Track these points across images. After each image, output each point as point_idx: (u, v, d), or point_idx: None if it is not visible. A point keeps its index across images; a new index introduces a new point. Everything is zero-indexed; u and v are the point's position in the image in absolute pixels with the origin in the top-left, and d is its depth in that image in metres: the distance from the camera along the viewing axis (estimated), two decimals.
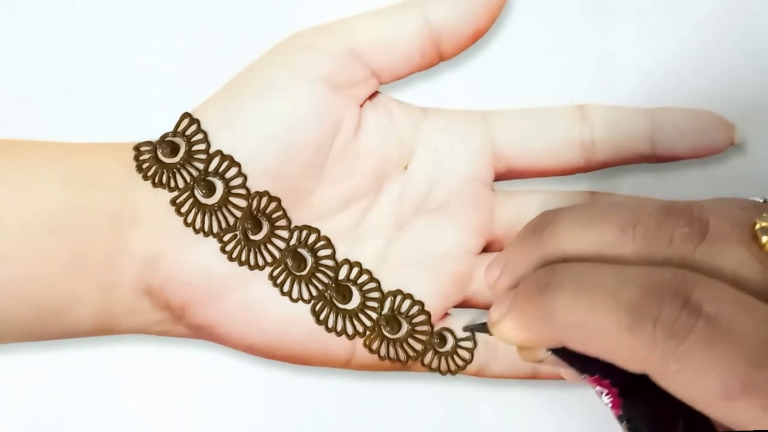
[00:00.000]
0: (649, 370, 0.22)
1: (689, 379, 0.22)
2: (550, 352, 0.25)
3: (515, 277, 0.27)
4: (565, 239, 0.26)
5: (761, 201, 0.27)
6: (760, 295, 0.23)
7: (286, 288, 0.32)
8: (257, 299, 0.31)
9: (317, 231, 0.32)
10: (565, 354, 0.25)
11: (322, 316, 0.32)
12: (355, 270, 0.32)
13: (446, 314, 0.33)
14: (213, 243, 0.31)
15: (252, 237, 0.31)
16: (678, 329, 0.22)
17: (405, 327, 0.32)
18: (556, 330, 0.24)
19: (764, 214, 0.24)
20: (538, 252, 0.26)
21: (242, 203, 0.31)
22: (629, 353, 0.23)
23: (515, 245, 0.27)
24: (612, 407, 0.24)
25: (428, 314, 0.32)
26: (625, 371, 0.23)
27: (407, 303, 0.32)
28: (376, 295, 0.32)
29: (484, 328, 0.27)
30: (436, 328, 0.33)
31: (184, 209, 0.31)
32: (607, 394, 0.24)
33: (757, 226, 0.24)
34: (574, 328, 0.24)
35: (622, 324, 0.23)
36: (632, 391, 0.24)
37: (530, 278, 0.25)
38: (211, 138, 0.31)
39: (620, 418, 0.24)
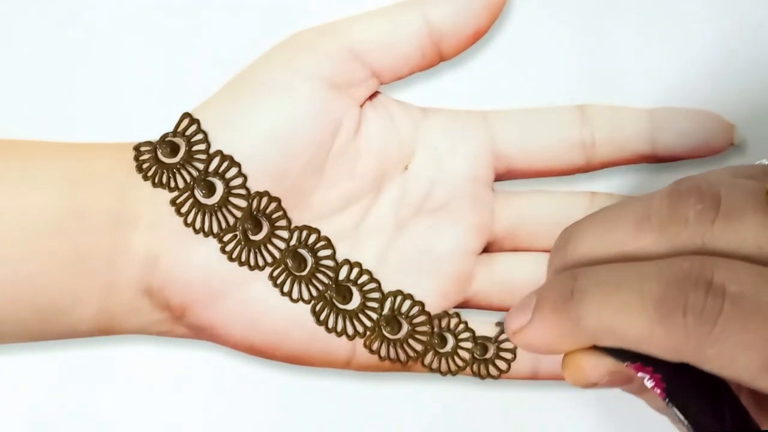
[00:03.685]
0: (687, 358, 0.23)
1: (728, 359, 0.22)
2: (605, 378, 0.26)
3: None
4: (586, 246, 0.26)
5: None
6: None
7: (286, 288, 0.32)
8: (257, 300, 0.31)
9: (317, 231, 0.32)
10: (600, 347, 0.25)
11: (322, 317, 0.32)
12: (356, 270, 0.32)
13: (446, 314, 0.33)
14: (213, 243, 0.31)
15: (252, 237, 0.31)
16: (707, 314, 0.22)
17: (405, 327, 0.32)
18: (586, 335, 0.25)
19: None
20: (560, 263, 0.27)
21: (242, 203, 0.31)
22: (665, 345, 0.23)
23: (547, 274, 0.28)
24: (657, 392, 0.24)
25: (429, 315, 0.32)
26: None
27: (407, 303, 0.32)
28: (376, 295, 0.32)
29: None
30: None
31: (184, 209, 0.31)
32: (650, 380, 0.24)
33: None
34: (604, 332, 0.24)
35: (653, 319, 0.23)
36: (675, 374, 0.24)
37: (552, 285, 0.26)
38: (211, 138, 0.31)
39: (667, 402, 0.24)
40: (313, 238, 0.32)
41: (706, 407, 0.24)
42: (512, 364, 0.33)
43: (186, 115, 0.31)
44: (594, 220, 0.26)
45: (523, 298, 0.27)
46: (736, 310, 0.22)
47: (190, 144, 0.31)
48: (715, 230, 0.24)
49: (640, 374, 0.24)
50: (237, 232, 0.31)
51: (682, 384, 0.24)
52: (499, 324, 0.32)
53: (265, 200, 0.31)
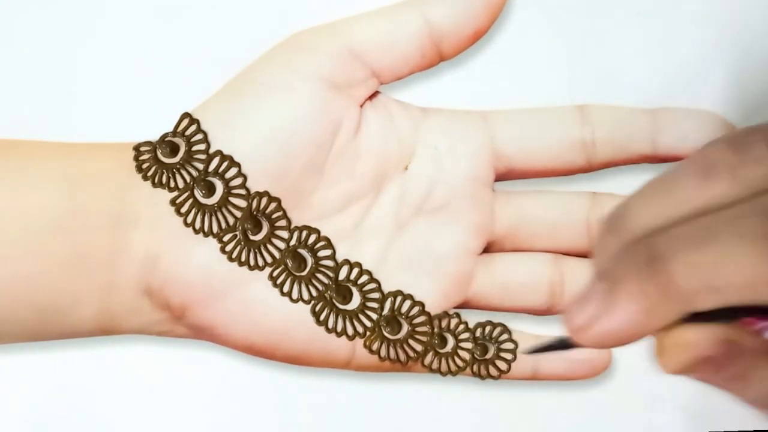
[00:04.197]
0: None
1: None
2: (720, 347, 0.22)
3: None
4: (648, 214, 0.23)
5: None
6: None
7: (286, 288, 0.32)
8: (257, 300, 0.31)
9: (317, 231, 0.32)
10: (700, 318, 0.22)
11: (322, 317, 0.32)
12: (356, 270, 0.32)
13: (446, 314, 0.33)
14: (213, 243, 0.31)
15: (252, 237, 0.31)
16: None
17: (405, 328, 0.32)
18: (683, 300, 0.21)
19: None
20: (622, 241, 0.23)
21: (242, 203, 0.31)
22: None
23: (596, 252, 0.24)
24: None
25: (429, 315, 0.32)
26: None
27: (407, 303, 0.32)
28: (376, 295, 0.32)
29: (561, 344, 0.24)
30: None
31: (184, 209, 0.31)
32: None
33: None
34: (706, 288, 0.21)
35: (763, 256, 0.20)
36: None
37: (622, 262, 0.22)
38: (211, 138, 0.31)
39: None
40: (313, 238, 0.32)
41: None
42: (512, 364, 0.33)
43: (186, 115, 0.31)
44: (649, 187, 0.23)
45: (580, 291, 0.23)
46: None
47: (189, 144, 0.31)
48: None
49: (759, 326, 0.22)
50: (237, 232, 0.31)
51: None
52: (533, 351, 0.28)
53: (265, 200, 0.31)
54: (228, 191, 0.31)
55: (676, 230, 0.22)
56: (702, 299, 0.21)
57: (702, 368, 0.22)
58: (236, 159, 0.31)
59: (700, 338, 0.22)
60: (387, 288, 0.32)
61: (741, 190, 0.22)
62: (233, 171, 0.31)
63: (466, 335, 0.33)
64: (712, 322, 0.22)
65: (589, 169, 0.34)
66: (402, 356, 0.32)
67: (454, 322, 0.33)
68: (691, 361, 0.22)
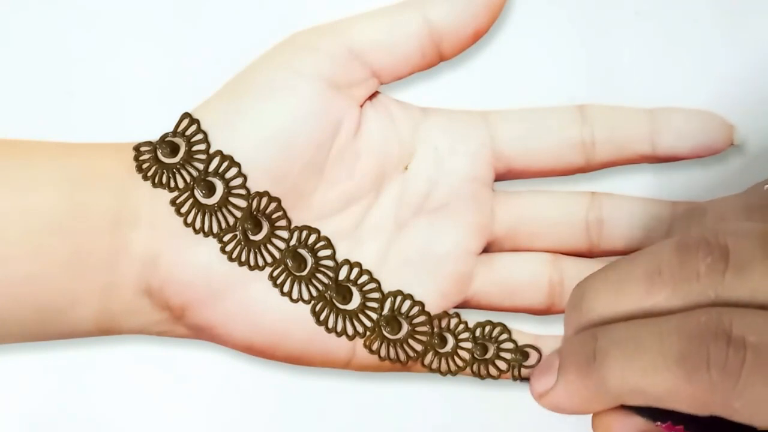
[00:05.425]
0: (715, 411, 0.23)
1: (755, 410, 0.22)
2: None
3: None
4: (601, 304, 0.26)
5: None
6: None
7: (286, 288, 0.32)
8: (257, 300, 0.31)
9: (317, 231, 0.32)
10: (629, 406, 0.25)
11: (322, 317, 0.32)
12: (356, 270, 0.32)
13: (446, 314, 0.33)
14: (213, 243, 0.31)
15: (252, 237, 0.31)
16: (730, 367, 0.22)
17: (405, 327, 0.32)
18: (612, 396, 0.25)
19: None
20: (577, 323, 0.27)
21: (242, 203, 0.31)
22: (692, 401, 0.23)
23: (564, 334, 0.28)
24: None
25: (429, 315, 0.32)
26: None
27: (407, 303, 0.32)
28: (376, 295, 0.32)
29: None
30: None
31: (184, 209, 0.31)
32: None
33: None
34: (630, 392, 0.24)
35: (677, 376, 0.23)
36: (706, 429, 0.24)
37: (573, 347, 0.26)
38: (211, 138, 0.31)
39: None
40: (313, 238, 0.32)
41: None
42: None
43: (186, 115, 0.31)
44: (605, 278, 0.26)
45: (544, 359, 0.27)
46: (759, 361, 0.22)
47: (190, 144, 0.31)
48: (726, 282, 0.24)
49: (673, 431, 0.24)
50: (237, 232, 0.31)
51: None
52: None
53: (265, 200, 0.31)
54: (228, 191, 0.31)
55: (617, 330, 0.25)
56: (628, 399, 0.25)
57: None
58: (236, 159, 0.31)
59: (621, 428, 0.26)
60: (387, 288, 0.32)
61: (679, 302, 0.24)
62: (233, 171, 0.31)
63: (465, 335, 0.33)
64: (641, 413, 0.25)
65: (589, 169, 0.34)
66: (402, 356, 0.32)
67: (453, 321, 0.33)
68: None
